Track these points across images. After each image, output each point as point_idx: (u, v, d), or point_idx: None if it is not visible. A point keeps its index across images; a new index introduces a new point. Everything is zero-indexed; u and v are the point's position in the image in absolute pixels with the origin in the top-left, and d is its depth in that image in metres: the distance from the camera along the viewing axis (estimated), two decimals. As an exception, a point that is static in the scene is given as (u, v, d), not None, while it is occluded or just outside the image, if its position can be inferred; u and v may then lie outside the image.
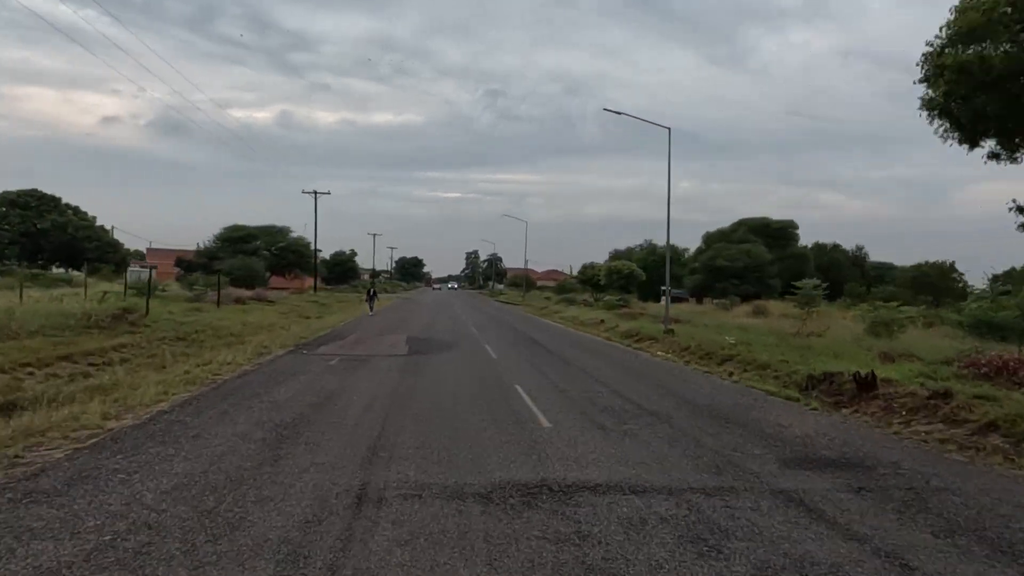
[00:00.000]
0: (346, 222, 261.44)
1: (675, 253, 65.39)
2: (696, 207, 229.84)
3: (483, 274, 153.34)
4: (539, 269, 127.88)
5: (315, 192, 51.19)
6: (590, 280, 59.46)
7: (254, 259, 53.76)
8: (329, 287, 79.41)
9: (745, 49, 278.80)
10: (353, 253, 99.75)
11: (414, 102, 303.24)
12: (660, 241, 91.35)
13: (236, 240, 58.22)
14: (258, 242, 59.27)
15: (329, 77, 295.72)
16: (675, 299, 54.78)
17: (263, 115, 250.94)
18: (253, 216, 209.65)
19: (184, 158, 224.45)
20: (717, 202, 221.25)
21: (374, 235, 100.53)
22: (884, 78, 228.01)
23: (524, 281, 73.57)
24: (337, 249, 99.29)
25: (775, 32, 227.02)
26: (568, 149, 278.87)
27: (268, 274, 61.77)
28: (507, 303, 62.44)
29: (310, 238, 59.37)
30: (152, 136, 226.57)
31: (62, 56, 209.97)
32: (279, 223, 62.46)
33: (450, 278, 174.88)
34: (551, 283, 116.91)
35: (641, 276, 48.72)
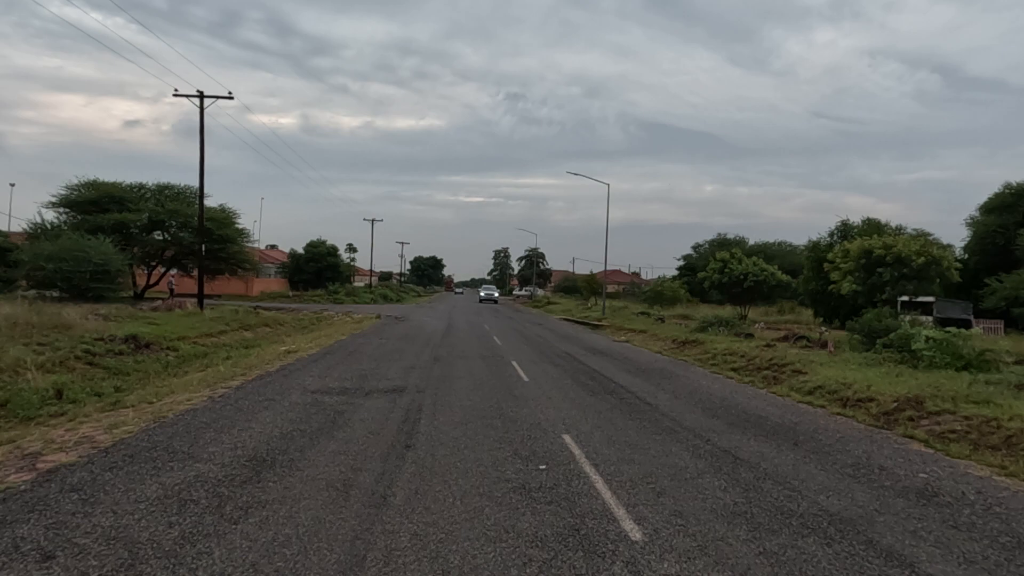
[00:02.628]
0: (364, 226, 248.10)
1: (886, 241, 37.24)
2: (721, 210, 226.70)
3: (520, 275, 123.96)
4: (583, 270, 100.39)
5: (200, 94, 24.54)
6: (740, 282, 32.13)
7: (102, 241, 27.19)
8: (294, 293, 52.79)
9: (768, 50, 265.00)
10: (351, 248, 73.22)
11: (435, 106, 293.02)
12: (732, 235, 65.09)
13: (89, 206, 31.81)
14: (143, 214, 32.72)
15: (350, 81, 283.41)
16: (949, 321, 26.65)
17: (288, 120, 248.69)
18: (277, 224, 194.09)
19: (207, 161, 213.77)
20: (744, 206, 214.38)
21: (372, 220, 72.85)
22: (913, 78, 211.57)
23: (601, 287, 45.95)
24: (356, 256, 72.61)
25: (799, 32, 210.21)
26: (589, 152, 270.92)
27: (151, 269, 35.38)
28: (585, 323, 34.80)
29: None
30: (175, 140, 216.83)
31: (90, 63, 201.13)
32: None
33: (474, 281, 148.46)
34: (613, 287, 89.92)
35: (954, 274, 21.49)
